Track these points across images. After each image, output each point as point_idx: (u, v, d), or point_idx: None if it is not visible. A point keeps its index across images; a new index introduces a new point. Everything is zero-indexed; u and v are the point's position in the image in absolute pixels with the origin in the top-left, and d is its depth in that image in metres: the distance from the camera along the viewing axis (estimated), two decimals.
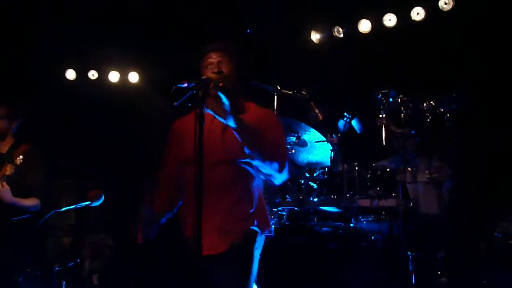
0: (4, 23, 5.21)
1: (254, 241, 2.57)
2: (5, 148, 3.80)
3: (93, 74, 6.15)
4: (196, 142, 2.22)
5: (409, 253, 3.75)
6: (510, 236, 3.17)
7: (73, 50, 5.83)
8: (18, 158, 3.44)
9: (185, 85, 2.38)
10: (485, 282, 3.64)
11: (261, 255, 2.61)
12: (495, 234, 3.20)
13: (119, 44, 5.69)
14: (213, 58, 2.61)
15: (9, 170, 3.44)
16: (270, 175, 2.56)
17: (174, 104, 2.38)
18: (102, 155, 6.10)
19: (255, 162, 2.50)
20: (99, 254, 5.96)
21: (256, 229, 2.57)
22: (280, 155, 2.55)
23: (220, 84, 2.43)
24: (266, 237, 2.64)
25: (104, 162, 6.08)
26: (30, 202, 3.66)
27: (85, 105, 5.92)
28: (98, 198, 3.27)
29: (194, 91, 2.36)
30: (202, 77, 2.50)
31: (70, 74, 6.10)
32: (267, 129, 2.56)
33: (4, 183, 3.47)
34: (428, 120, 3.74)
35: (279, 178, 2.59)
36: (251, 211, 2.57)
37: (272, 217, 3.89)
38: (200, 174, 2.20)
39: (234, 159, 2.52)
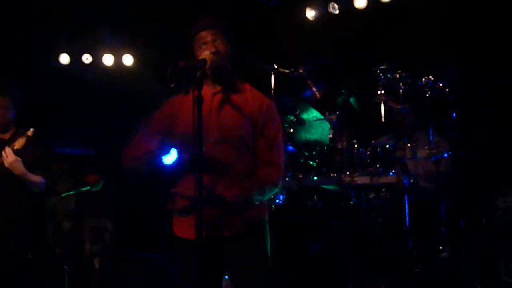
0: None
1: (260, 229, 2.55)
2: (8, 135, 3.88)
3: (87, 58, 6.09)
4: (195, 125, 2.20)
5: (409, 230, 3.74)
6: (510, 210, 3.17)
7: (66, 34, 5.76)
8: (20, 139, 3.49)
9: (182, 66, 2.37)
10: (486, 256, 3.65)
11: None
12: (498, 204, 3.19)
13: (113, 26, 5.62)
14: (207, 36, 2.55)
15: (17, 144, 3.49)
16: None
17: (171, 85, 2.36)
18: (98, 139, 6.08)
19: None
20: (99, 238, 5.98)
21: (261, 215, 2.56)
22: (278, 177, 2.58)
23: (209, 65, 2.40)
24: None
25: (100, 146, 6.05)
26: (38, 179, 3.71)
27: (80, 89, 5.88)
28: (97, 183, 3.26)
29: (192, 72, 2.34)
30: (199, 58, 2.47)
31: (64, 59, 6.04)
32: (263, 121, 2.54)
33: (17, 157, 3.55)
34: (427, 95, 3.69)
35: None
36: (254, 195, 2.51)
37: (272, 196, 3.86)
38: (200, 159, 2.20)
39: (230, 138, 2.49)
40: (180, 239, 2.56)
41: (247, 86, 2.67)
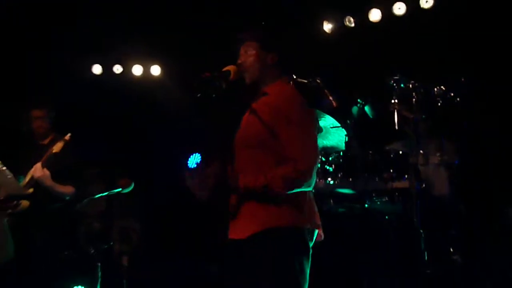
0: (32, 21, 5.24)
1: (280, 237, 2.29)
2: (47, 141, 3.97)
3: (117, 69, 6.18)
4: (221, 131, 2.24)
5: (422, 232, 3.72)
6: None
7: (99, 46, 5.86)
8: (59, 143, 3.57)
9: (207, 77, 2.40)
10: (497, 260, 3.61)
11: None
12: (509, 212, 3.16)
13: (142, 38, 5.71)
14: (241, 51, 2.57)
15: (56, 148, 3.57)
16: None
17: (198, 95, 2.39)
18: (127, 145, 6.15)
19: None
20: (128, 238, 6.04)
21: (280, 220, 2.33)
22: (292, 174, 2.32)
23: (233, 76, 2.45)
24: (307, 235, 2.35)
25: (129, 151, 6.12)
26: (66, 189, 3.78)
27: (111, 98, 5.97)
28: (128, 186, 3.33)
29: (217, 83, 2.38)
30: (223, 69, 2.50)
31: (96, 69, 6.15)
32: (284, 126, 2.41)
33: (45, 169, 3.60)
34: (439, 104, 3.68)
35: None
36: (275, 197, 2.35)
37: None
38: (225, 159, 2.24)
39: (250, 142, 2.47)
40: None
41: (279, 88, 2.56)
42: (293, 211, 2.36)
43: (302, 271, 2.29)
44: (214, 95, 2.35)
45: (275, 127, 2.42)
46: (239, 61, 2.54)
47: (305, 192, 2.40)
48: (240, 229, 2.37)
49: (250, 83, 2.56)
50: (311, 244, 2.38)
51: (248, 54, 2.54)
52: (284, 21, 5.02)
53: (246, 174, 2.38)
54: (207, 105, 2.56)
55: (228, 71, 2.48)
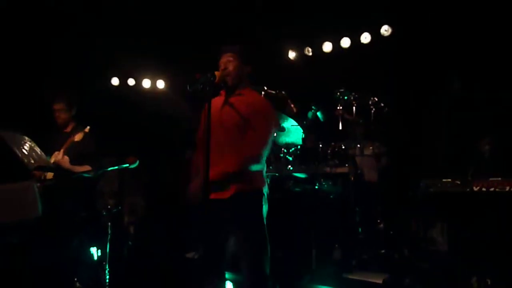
0: (63, 44, 5.13)
1: (254, 195, 2.47)
2: (68, 129, 3.85)
3: (131, 81, 6.09)
4: (206, 119, 2.22)
5: (356, 208, 3.73)
6: (429, 187, 3.17)
7: (116, 62, 5.77)
8: (79, 134, 3.48)
9: (198, 77, 2.39)
10: (410, 226, 3.63)
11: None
12: (420, 185, 3.19)
13: (151, 58, 5.65)
14: (223, 59, 2.57)
15: (77, 137, 3.48)
16: None
17: (190, 90, 2.38)
18: (137, 139, 6.05)
19: None
20: (135, 211, 5.91)
21: (257, 186, 2.48)
22: (256, 151, 2.46)
23: (217, 80, 2.44)
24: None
25: (139, 144, 6.01)
26: (83, 168, 3.68)
27: (125, 103, 5.88)
28: (134, 162, 3.25)
29: (205, 81, 2.37)
30: (211, 72, 2.48)
31: (115, 81, 6.05)
32: (257, 118, 2.47)
33: (65, 156, 3.51)
34: (372, 111, 3.72)
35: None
36: (242, 167, 2.46)
37: None
38: (208, 141, 2.20)
39: (226, 126, 2.49)
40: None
41: (250, 93, 2.63)
42: (260, 180, 2.53)
43: (263, 218, 2.49)
44: (201, 90, 2.34)
45: (250, 118, 2.48)
46: (223, 67, 2.54)
47: (262, 170, 2.57)
48: (225, 192, 2.43)
49: (231, 85, 2.57)
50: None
51: (231, 64, 2.55)
52: (259, 45, 5.03)
53: (222, 152, 2.43)
54: (196, 98, 2.51)
55: (214, 74, 2.47)
